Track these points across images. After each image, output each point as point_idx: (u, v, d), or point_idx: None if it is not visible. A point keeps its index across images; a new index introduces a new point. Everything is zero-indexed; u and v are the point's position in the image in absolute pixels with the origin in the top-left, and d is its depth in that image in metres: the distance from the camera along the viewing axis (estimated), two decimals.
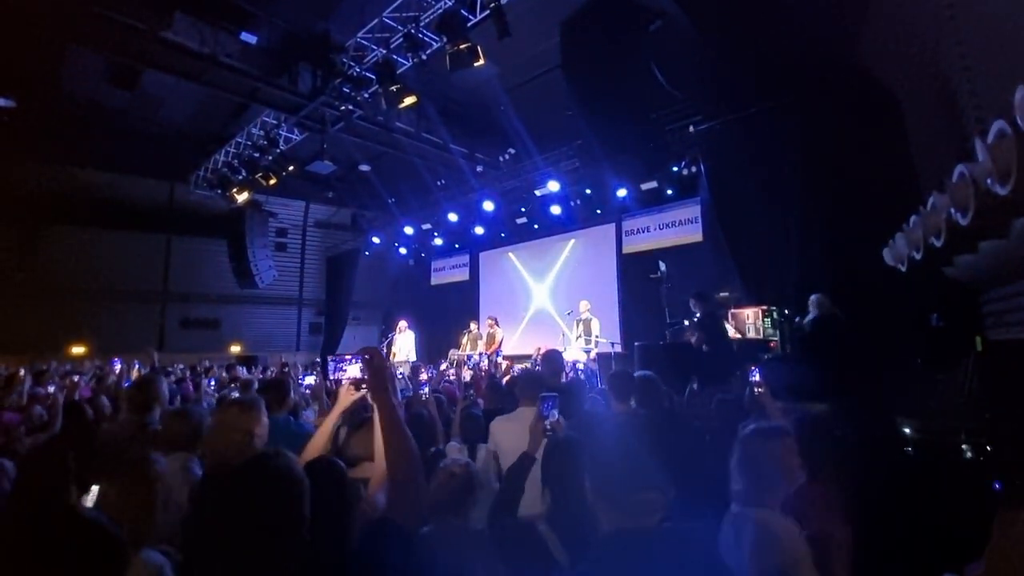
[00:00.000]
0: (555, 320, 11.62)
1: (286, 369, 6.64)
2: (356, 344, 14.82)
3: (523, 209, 11.64)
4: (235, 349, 13.27)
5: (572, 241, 11.84)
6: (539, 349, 10.04)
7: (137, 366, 5.38)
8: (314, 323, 15.31)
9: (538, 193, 10.80)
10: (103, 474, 2.25)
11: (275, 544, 1.15)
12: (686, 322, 6.54)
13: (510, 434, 2.70)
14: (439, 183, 12.20)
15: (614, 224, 10.92)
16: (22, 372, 4.59)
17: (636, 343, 6.27)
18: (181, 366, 6.60)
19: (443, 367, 9.00)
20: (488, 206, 11.29)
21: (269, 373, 8.08)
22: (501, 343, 10.04)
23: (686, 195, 9.30)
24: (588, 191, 10.40)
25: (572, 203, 10.81)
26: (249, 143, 10.03)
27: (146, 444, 2.69)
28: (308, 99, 8.53)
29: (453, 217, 12.14)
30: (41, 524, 1.90)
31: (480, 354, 9.41)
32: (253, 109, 9.46)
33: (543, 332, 11.59)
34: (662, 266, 7.49)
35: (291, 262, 14.80)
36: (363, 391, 2.09)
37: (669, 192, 9.44)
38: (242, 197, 10.64)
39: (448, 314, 13.28)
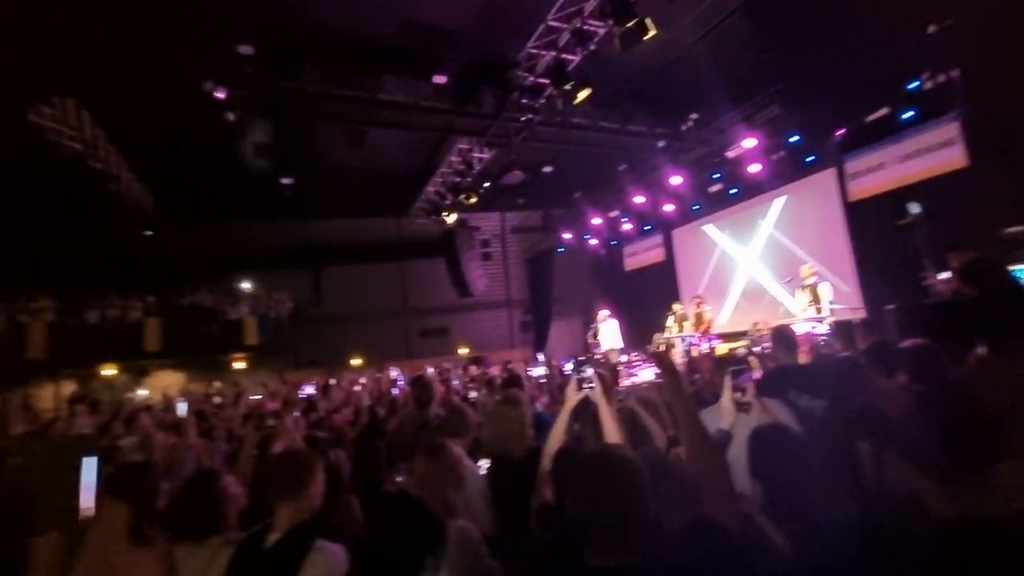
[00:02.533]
0: (771, 291, 10.45)
1: (510, 366, 7.34)
2: (564, 337, 15.58)
3: (716, 175, 10.75)
4: (463, 351, 15.17)
5: (780, 199, 10.47)
6: (755, 324, 9.16)
7: (397, 372, 6.58)
8: (523, 321, 16.58)
9: (731, 155, 9.86)
10: (408, 459, 2.83)
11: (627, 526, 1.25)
12: (942, 275, 5.22)
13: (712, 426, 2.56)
14: (621, 168, 12.05)
15: (833, 169, 9.31)
16: (332, 382, 6.03)
17: (888, 307, 5.25)
18: (431, 369, 7.88)
19: (653, 351, 8.88)
20: (675, 180, 10.73)
21: (492, 371, 9.08)
22: (711, 322, 9.46)
23: (933, 115, 7.42)
24: (793, 139, 9.10)
25: (774, 156, 9.59)
26: (450, 170, 11.37)
27: (432, 434, 3.31)
28: (492, 119, 9.31)
29: (639, 199, 11.85)
30: (378, 502, 2.48)
31: (689, 336, 9.02)
32: (450, 140, 10.71)
33: (757, 306, 10.52)
34: (913, 208, 6.11)
35: (496, 268, 16.28)
36: (585, 390, 2.26)
37: (907, 116, 7.66)
38: (451, 219, 12.14)
39: (648, 298, 13.00)
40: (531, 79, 8.34)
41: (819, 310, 7.34)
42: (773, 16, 6.73)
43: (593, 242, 14.26)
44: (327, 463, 2.78)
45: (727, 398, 2.17)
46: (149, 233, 10.88)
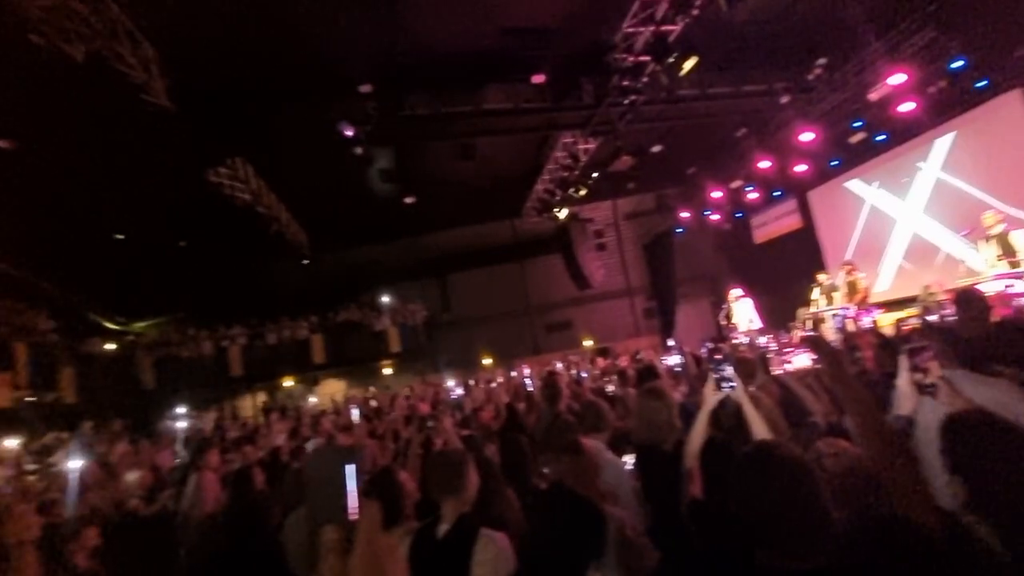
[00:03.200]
0: (944, 247, 8.92)
1: (639, 356, 7.21)
2: (693, 321, 14.83)
3: (856, 124, 9.45)
4: (588, 343, 15.16)
5: (946, 137, 8.88)
6: (926, 288, 7.88)
7: (529, 369, 6.79)
8: (646, 308, 16.09)
9: (874, 97, 8.60)
10: (551, 452, 2.95)
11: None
12: None
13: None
14: (739, 133, 11.14)
15: (1018, 91, 7.66)
16: (471, 382, 6.44)
17: None
18: (560, 364, 8.04)
19: (796, 330, 8.08)
20: (806, 137, 9.64)
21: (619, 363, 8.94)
22: (867, 291, 8.33)
23: None
24: (956, 64, 7.67)
25: (932, 89, 8.16)
26: (557, 166, 11.44)
27: (565, 429, 3.41)
28: (594, 108, 9.18)
29: (764, 164, 10.85)
30: (534, 494, 2.60)
31: (842, 309, 8.03)
32: (554, 136, 10.78)
33: (927, 267, 9.05)
34: None
35: (613, 257, 16.02)
36: (726, 390, 2.15)
37: None
38: (562, 214, 12.20)
39: (785, 271, 11.85)
40: (630, 59, 8.06)
41: (1014, 264, 6.10)
42: None
43: (715, 217, 13.35)
44: (481, 458, 3.01)
45: (904, 380, 1.92)
46: (306, 262, 12.54)
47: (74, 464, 2.90)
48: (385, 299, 14.38)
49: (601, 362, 9.27)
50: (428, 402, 5.58)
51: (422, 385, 9.19)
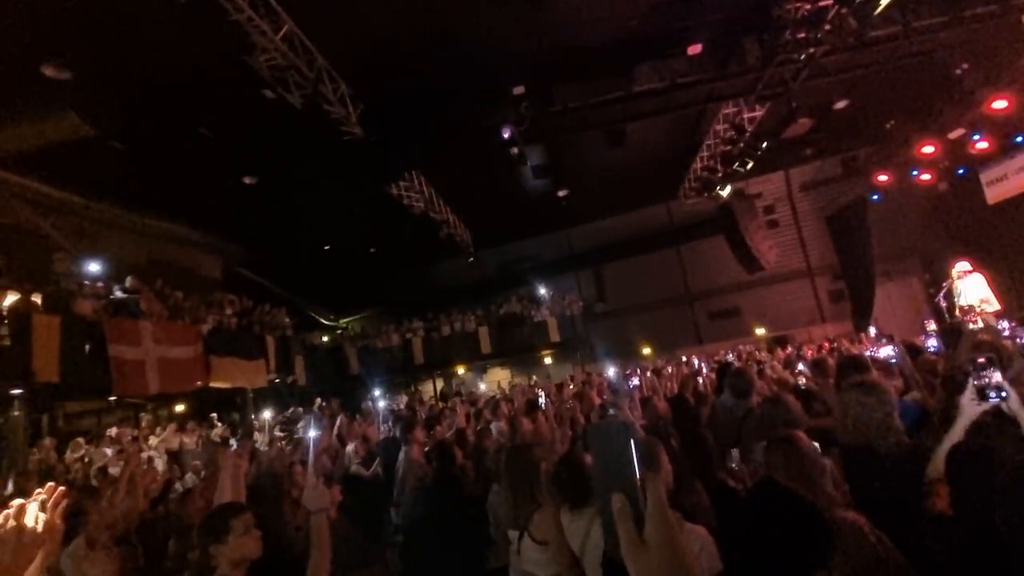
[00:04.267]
0: None
1: (833, 345, 6.33)
2: (896, 304, 12.58)
3: None
4: (760, 331, 13.79)
5: None
6: None
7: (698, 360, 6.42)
8: (833, 290, 14.06)
9: None
10: (729, 449, 2.79)
11: None
12: None
13: None
14: (959, 71, 9.05)
15: None
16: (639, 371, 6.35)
17: None
18: (729, 355, 7.46)
19: None
20: None
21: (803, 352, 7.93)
22: None
23: None
24: None
25: None
26: (718, 140, 10.58)
27: (760, 424, 3.18)
28: (760, 70, 8.26)
29: (999, 104, 8.63)
30: (755, 493, 2.48)
31: None
32: (711, 109, 10.00)
33: None
34: None
35: (788, 234, 14.31)
36: (994, 401, 1.78)
37: None
38: (725, 191, 11.25)
39: None
40: (807, 7, 7.07)
41: None
42: None
43: (925, 177, 11.04)
44: (670, 449, 2.97)
45: None
46: (471, 259, 13.59)
47: (312, 433, 3.56)
48: (543, 291, 14.86)
49: (781, 352, 8.37)
50: (597, 390, 5.65)
51: (580, 374, 9.32)
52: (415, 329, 14.20)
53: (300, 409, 9.06)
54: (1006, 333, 5.57)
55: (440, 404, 9.28)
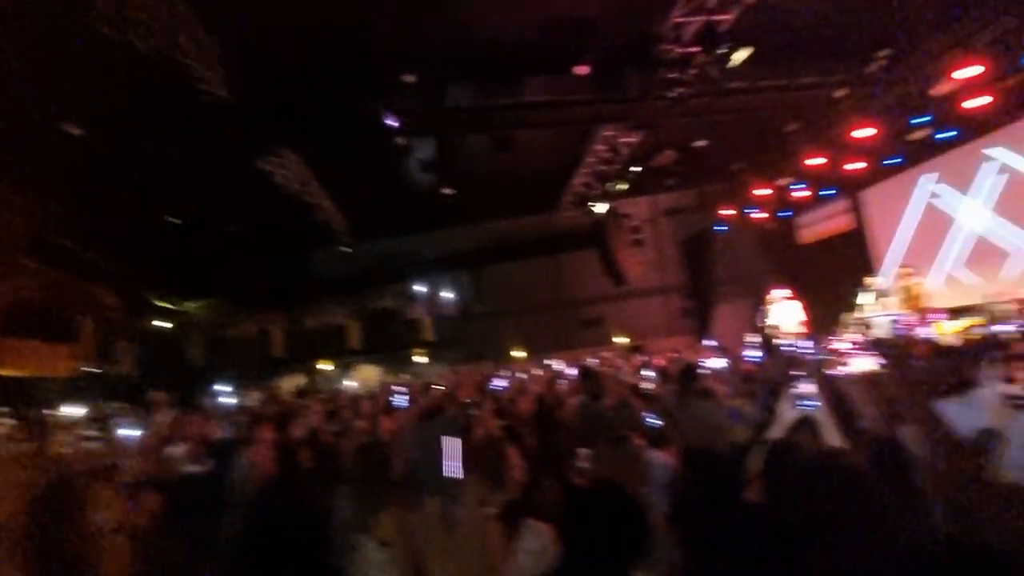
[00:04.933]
0: (1010, 251, 8.38)
1: (674, 354, 7.07)
2: (731, 323, 14.47)
3: (920, 119, 8.93)
4: (620, 340, 14.98)
5: (1017, 137, 8.31)
6: (991, 296, 7.44)
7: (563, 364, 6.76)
8: (682, 307, 15.77)
9: (938, 91, 8.10)
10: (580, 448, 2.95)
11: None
12: None
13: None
14: (789, 129, 10.71)
15: None
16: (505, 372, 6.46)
17: None
18: (593, 360, 7.98)
19: (839, 336, 7.76)
20: (863, 133, 9.18)
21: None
22: (922, 297, 7.92)
23: None
24: None
25: (1008, 83, 7.63)
26: (596, 159, 11.31)
27: (608, 425, 3.39)
28: (637, 100, 8.99)
29: (815, 161, 10.40)
30: (581, 489, 2.60)
31: (898, 316, 7.66)
32: (595, 129, 10.65)
33: (995, 273, 8.52)
34: None
35: (650, 254, 15.75)
36: (806, 409, 2.09)
37: None
38: (600, 208, 12.06)
39: (832, 273, 11.38)
40: (678, 50, 7.85)
41: None
42: None
43: (759, 216, 12.91)
44: (525, 448, 3.02)
45: (990, 389, 1.81)
46: (346, 250, 12.86)
47: (132, 432, 3.06)
48: (420, 288, 14.58)
49: (635, 359, 9.14)
50: (468, 389, 5.64)
51: (464, 372, 9.31)
52: (275, 320, 13.02)
53: (121, 404, 7.76)
54: (811, 351, 6.72)
55: (297, 401, 8.60)
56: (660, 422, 3.26)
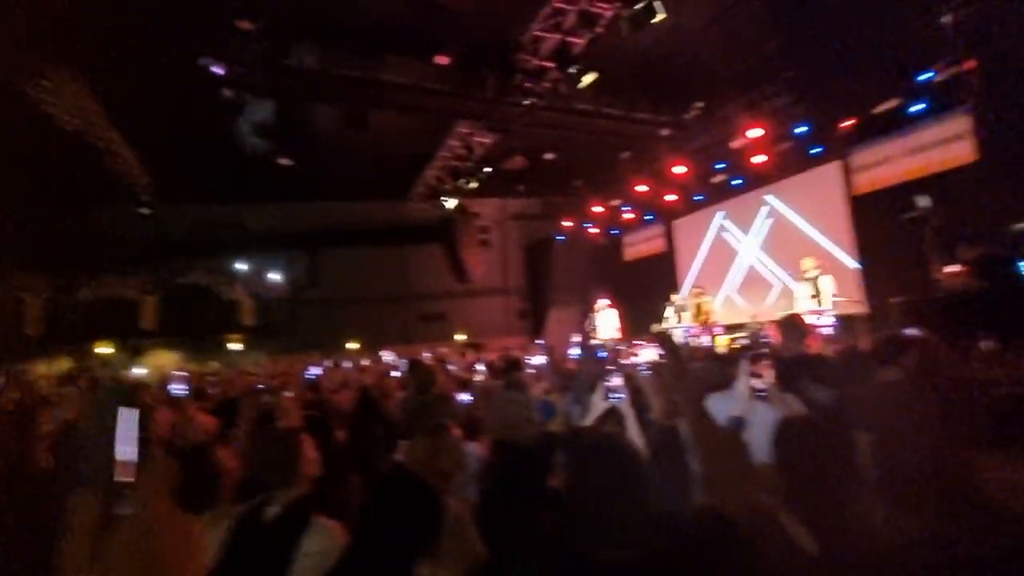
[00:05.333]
0: (771, 282, 10.42)
1: (508, 353, 7.30)
2: (561, 326, 15.57)
3: (719, 165, 10.66)
4: (460, 337, 15.14)
5: (783, 191, 10.39)
6: (754, 316, 9.16)
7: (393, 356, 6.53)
8: (520, 309, 16.55)
9: (735, 145, 9.77)
10: (409, 438, 2.81)
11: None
12: (949, 268, 5.23)
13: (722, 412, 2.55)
14: (624, 156, 11.94)
15: (838, 163, 9.22)
16: (327, 363, 5.99)
17: (896, 299, 5.22)
18: (427, 354, 7.86)
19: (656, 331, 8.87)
20: (678, 170, 10.64)
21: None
22: (710, 313, 9.42)
23: (943, 108, 7.32)
24: (800, 130, 9.00)
25: (780, 147, 9.50)
26: (450, 154, 11.25)
27: (433, 414, 3.28)
28: (495, 102, 9.17)
29: (642, 188, 11.76)
30: (375, 478, 2.45)
31: (689, 327, 9.00)
32: (451, 123, 10.57)
33: (758, 297, 10.50)
34: (922, 201, 6.05)
35: (495, 255, 16.22)
36: (612, 401, 2.24)
37: (916, 108, 7.56)
38: (450, 204, 12.03)
39: (647, 288, 12.98)
40: (535, 62, 8.20)
41: (820, 303, 7.30)
42: (784, 2, 6.61)
43: (593, 231, 14.18)
44: (327, 441, 2.76)
45: (743, 383, 2.11)
46: (146, 212, 10.76)
47: None
48: (242, 266, 12.91)
49: (471, 355, 9.27)
50: (280, 379, 5.07)
51: (270, 364, 8.41)
52: (34, 287, 10.29)
53: None
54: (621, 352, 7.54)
55: (56, 390, 6.88)
56: (476, 413, 3.27)
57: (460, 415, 3.32)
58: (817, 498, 1.60)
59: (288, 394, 2.97)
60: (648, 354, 1.97)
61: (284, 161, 10.78)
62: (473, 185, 10.99)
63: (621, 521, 1.16)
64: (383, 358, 6.34)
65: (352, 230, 14.13)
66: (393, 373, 5.75)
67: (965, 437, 1.10)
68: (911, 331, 2.87)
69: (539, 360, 4.45)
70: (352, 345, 13.31)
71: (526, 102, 8.88)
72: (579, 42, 7.58)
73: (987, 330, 3.31)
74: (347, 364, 7.24)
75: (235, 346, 12.84)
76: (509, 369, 3.46)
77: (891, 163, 8.30)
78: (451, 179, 11.39)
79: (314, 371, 5.42)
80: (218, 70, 6.94)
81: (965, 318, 3.86)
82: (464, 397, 3.54)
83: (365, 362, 6.23)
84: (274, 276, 13.07)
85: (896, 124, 7.95)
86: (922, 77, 7.07)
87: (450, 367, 6.65)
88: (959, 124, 7.20)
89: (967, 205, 6.15)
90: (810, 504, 1.61)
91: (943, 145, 7.50)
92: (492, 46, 8.67)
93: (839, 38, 6.56)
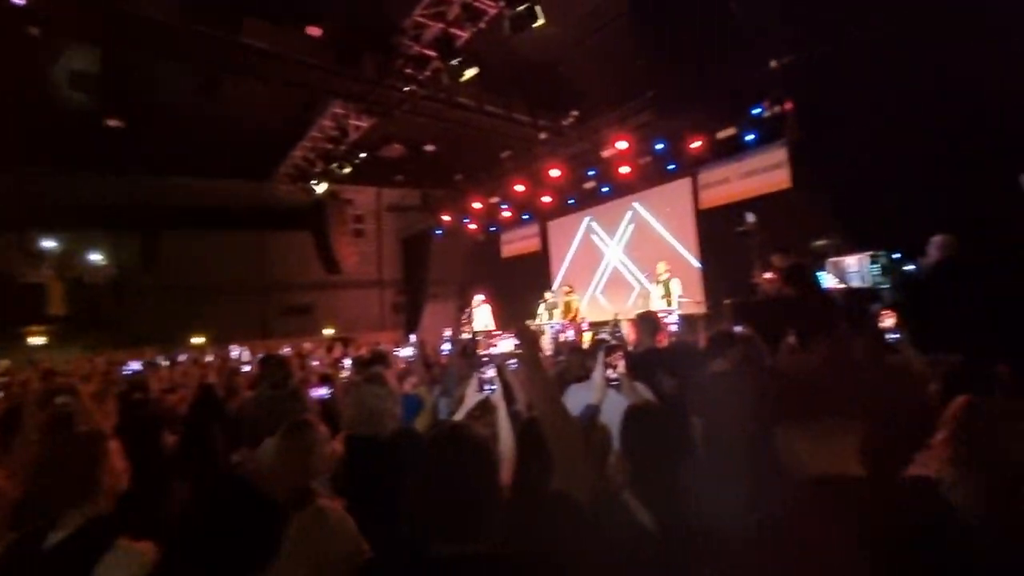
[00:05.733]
0: (631, 283, 11.38)
1: (379, 347, 7.02)
2: (437, 321, 15.42)
3: (590, 172, 11.34)
4: (328, 332, 14.23)
5: (644, 201, 11.41)
6: (616, 315, 9.92)
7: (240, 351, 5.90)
8: (395, 303, 16.05)
9: (605, 154, 10.46)
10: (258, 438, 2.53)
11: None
12: (766, 275, 6.16)
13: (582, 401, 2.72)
14: (504, 154, 12.15)
15: (689, 179, 10.37)
16: (160, 359, 5.20)
17: (727, 301, 5.99)
18: (287, 349, 7.22)
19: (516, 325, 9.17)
20: (554, 173, 11.11)
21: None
22: (579, 311, 10.00)
23: (770, 139, 8.60)
24: (659, 146, 9.92)
25: (642, 161, 10.38)
26: (322, 135, 10.49)
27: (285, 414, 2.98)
28: (373, 85, 8.73)
29: (520, 188, 12.08)
30: (202, 488, 2.16)
31: (558, 324, 9.46)
32: (324, 101, 9.85)
33: (620, 296, 11.40)
34: (750, 218, 7.03)
35: (370, 246, 15.51)
36: (487, 392, 2.23)
37: (750, 137, 8.78)
38: (320, 188, 11.21)
39: (522, 285, 13.41)
40: (417, 48, 7.96)
41: (669, 303, 8.15)
42: (650, 26, 7.22)
43: (472, 227, 14.24)
44: (151, 448, 2.38)
45: (599, 374, 2.23)
46: None
47: None
48: (50, 244, 10.71)
49: (338, 351, 8.74)
50: (95, 379, 4.26)
51: (85, 361, 7.08)
52: None
53: None
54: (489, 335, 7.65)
55: None
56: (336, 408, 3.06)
57: (315, 411, 3.08)
58: (657, 479, 1.74)
59: (88, 389, 2.48)
60: (506, 344, 1.99)
61: (113, 123, 9.16)
62: (347, 170, 10.34)
63: (463, 514, 1.13)
64: (231, 353, 5.67)
65: (201, 209, 12.46)
66: (245, 369, 5.19)
67: (773, 416, 1.26)
68: (738, 328, 3.31)
69: (408, 353, 4.31)
70: (198, 339, 11.80)
71: (406, 88, 8.59)
72: (462, 35, 7.51)
73: (792, 328, 3.91)
74: (184, 360, 6.34)
75: (37, 340, 10.64)
76: (372, 362, 3.29)
77: (729, 183, 9.56)
78: (322, 162, 10.59)
79: (133, 366, 4.66)
80: (18, 0, 5.63)
81: (777, 318, 4.54)
82: (321, 392, 3.29)
83: (209, 358, 5.51)
84: (96, 257, 11.04)
85: (734, 150, 9.16)
86: (755, 111, 8.20)
87: (314, 363, 6.19)
88: (779, 155, 8.53)
89: (782, 223, 7.29)
90: (651, 485, 1.75)
91: (767, 172, 8.82)
92: (371, 26, 8.24)
93: (691, 67, 7.33)
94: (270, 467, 1.96)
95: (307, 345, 8.58)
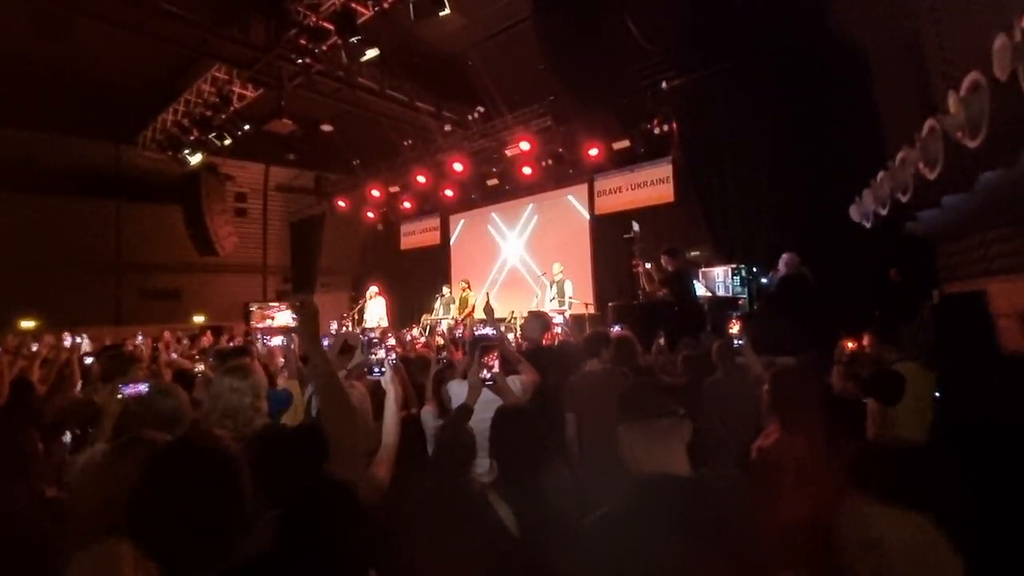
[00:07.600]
0: (528, 282, 11.62)
1: (250, 337, 6.44)
2: (329, 312, 14.56)
3: (494, 170, 11.40)
4: (198, 319, 12.82)
5: (544, 202, 11.71)
6: (512, 313, 10.08)
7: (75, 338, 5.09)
8: (280, 291, 14.90)
9: (509, 153, 10.56)
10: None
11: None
12: (646, 265, 6.50)
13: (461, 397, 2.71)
14: (406, 143, 11.79)
15: (587, 184, 10.81)
16: None
17: (610, 303, 6.33)
18: (140, 338, 6.33)
19: (414, 333, 8.97)
20: (457, 167, 11.00)
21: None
22: (474, 307, 10.00)
23: (658, 154, 9.23)
24: (560, 150, 10.23)
25: (544, 163, 10.63)
26: (200, 100, 9.40)
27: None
28: (262, 52, 7.99)
29: (422, 179, 11.80)
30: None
31: (455, 319, 9.38)
32: (202, 63, 8.82)
33: (517, 295, 11.59)
34: (635, 227, 7.51)
35: (253, 228, 14.22)
36: (376, 376, 2.12)
37: (642, 151, 9.35)
38: (195, 159, 10.04)
39: (420, 279, 13.11)
40: (314, 19, 7.41)
41: (562, 303, 8.43)
42: (555, 32, 7.40)
43: (370, 215, 13.65)
44: None
45: (474, 373, 2.20)
46: None
47: None
48: None
49: (206, 340, 7.89)
50: None
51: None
52: None
53: None
54: (391, 340, 7.37)
55: None
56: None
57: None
58: (522, 478, 1.74)
59: None
60: (284, 317, 1.91)
61: None
62: (227, 142, 9.35)
63: (217, 529, 1.00)
64: (64, 341, 4.85)
65: (37, 170, 10.54)
66: (88, 361, 4.46)
67: (617, 416, 1.31)
68: (613, 329, 3.48)
69: (277, 343, 3.98)
70: (27, 324, 10.00)
71: (301, 61, 7.97)
72: (364, 12, 7.12)
73: (664, 329, 4.22)
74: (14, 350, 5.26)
75: None
76: (233, 353, 2.98)
77: (621, 193, 10.12)
78: (198, 130, 9.47)
79: None
80: None
81: (653, 319, 4.89)
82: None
83: (35, 347, 4.63)
84: None
85: (627, 161, 9.71)
86: (646, 126, 8.76)
87: (173, 354, 5.51)
88: (666, 170, 9.19)
89: (665, 234, 7.90)
90: (516, 484, 1.74)
91: (655, 185, 9.46)
92: None
93: (593, 76, 7.65)
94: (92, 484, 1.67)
95: (167, 334, 7.61)
